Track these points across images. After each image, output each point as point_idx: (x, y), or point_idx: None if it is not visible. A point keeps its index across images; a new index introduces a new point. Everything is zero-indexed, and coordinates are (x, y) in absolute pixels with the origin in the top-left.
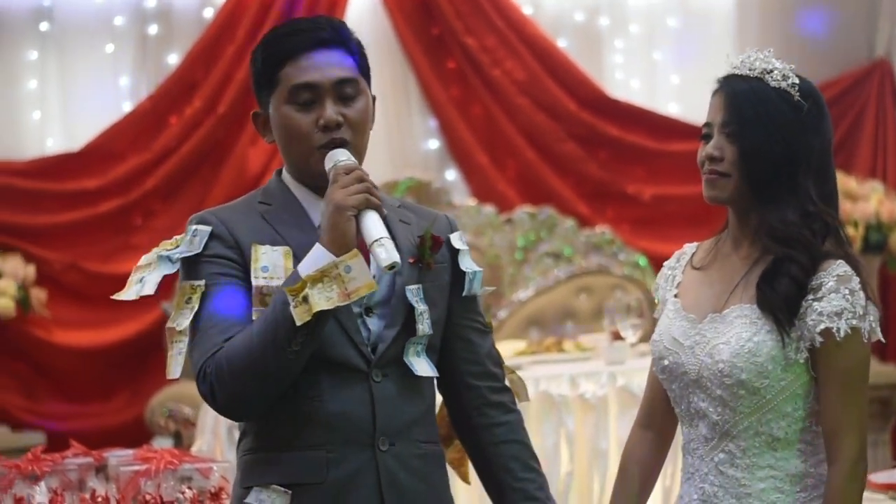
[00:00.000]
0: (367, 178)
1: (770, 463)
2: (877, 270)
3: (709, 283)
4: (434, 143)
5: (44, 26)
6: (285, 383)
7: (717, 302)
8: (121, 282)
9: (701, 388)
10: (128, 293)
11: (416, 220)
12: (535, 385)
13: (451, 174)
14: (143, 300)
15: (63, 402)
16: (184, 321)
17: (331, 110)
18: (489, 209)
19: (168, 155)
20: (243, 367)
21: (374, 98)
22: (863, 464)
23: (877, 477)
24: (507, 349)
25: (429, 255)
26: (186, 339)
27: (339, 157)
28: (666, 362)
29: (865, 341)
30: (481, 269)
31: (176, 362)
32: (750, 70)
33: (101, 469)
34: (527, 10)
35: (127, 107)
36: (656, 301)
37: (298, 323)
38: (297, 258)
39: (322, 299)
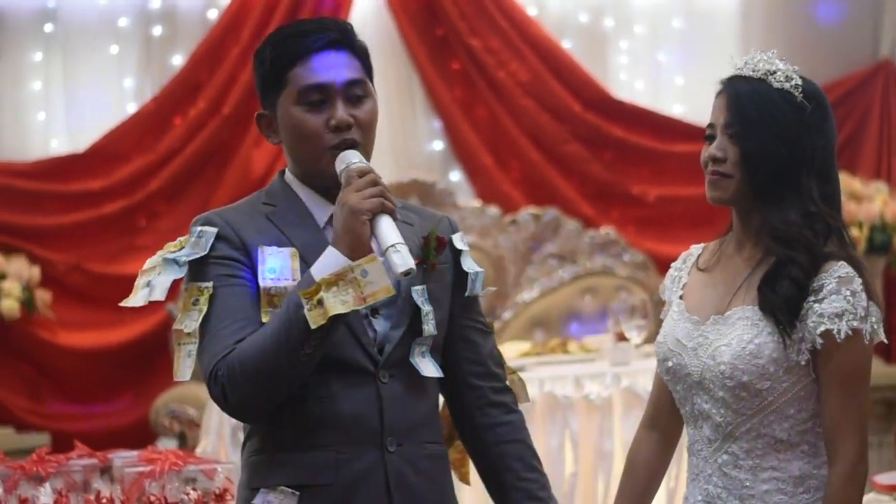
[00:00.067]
0: (381, 181)
1: (773, 464)
2: (881, 271)
3: (713, 284)
4: (438, 145)
5: (48, 28)
6: (296, 385)
7: (721, 303)
8: (125, 283)
9: (704, 390)
10: (136, 298)
11: (419, 221)
12: (539, 386)
13: (456, 175)
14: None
15: (67, 404)
16: (192, 323)
17: (342, 111)
18: (493, 210)
19: (172, 156)
20: (256, 369)
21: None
22: (863, 466)
23: (881, 478)
24: (512, 350)
25: (433, 255)
26: (195, 341)
27: (352, 160)
28: (670, 364)
29: (866, 343)
30: (482, 269)
31: (185, 364)
32: (753, 71)
33: (105, 470)
34: (531, 11)
35: (131, 108)
36: (665, 301)
37: (313, 326)
38: (304, 259)
39: (337, 303)
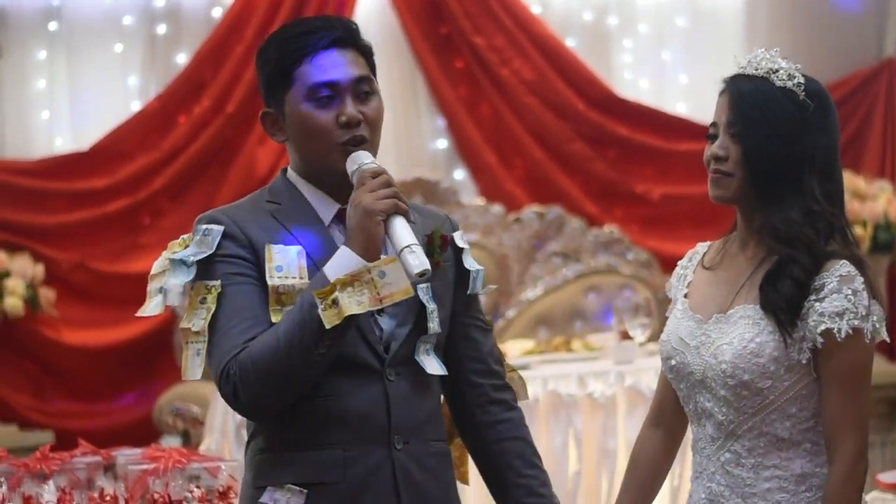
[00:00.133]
0: (394, 182)
1: (775, 463)
2: (885, 270)
3: (716, 283)
4: (442, 143)
5: (52, 26)
6: (308, 384)
7: (724, 302)
8: (129, 281)
9: (706, 389)
10: (151, 306)
11: (421, 219)
12: (543, 384)
13: (460, 173)
14: None
15: (71, 401)
16: (199, 321)
17: (351, 107)
18: (497, 208)
19: (176, 154)
20: (269, 368)
21: None
22: (862, 465)
23: (885, 477)
24: (516, 348)
25: (438, 254)
26: (203, 340)
27: (364, 160)
28: (673, 362)
29: (867, 342)
30: (482, 267)
31: (194, 363)
32: (756, 70)
33: (109, 468)
34: (535, 9)
35: (135, 106)
36: (671, 299)
37: (328, 326)
38: (310, 257)
39: (353, 303)
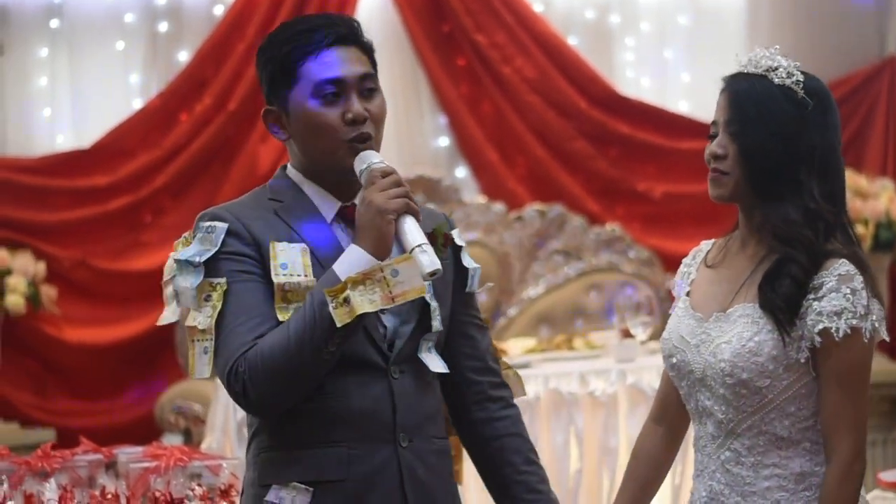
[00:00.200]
0: (404, 182)
1: (774, 461)
2: (886, 269)
3: (718, 281)
4: (444, 141)
5: (54, 23)
6: (317, 382)
7: (724, 300)
8: (131, 279)
9: (706, 387)
10: (169, 313)
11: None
12: (544, 382)
13: (461, 171)
14: (152, 297)
15: (73, 399)
16: (205, 319)
17: (357, 104)
18: (499, 206)
19: (178, 152)
20: (278, 366)
21: None
22: (859, 464)
23: (886, 475)
24: (517, 346)
25: (440, 252)
26: (210, 338)
27: (373, 159)
28: (674, 360)
29: (866, 341)
30: (479, 265)
31: (201, 362)
32: (756, 68)
33: (110, 466)
34: (537, 7)
35: (137, 104)
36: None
37: (339, 324)
38: (314, 255)
39: (365, 302)
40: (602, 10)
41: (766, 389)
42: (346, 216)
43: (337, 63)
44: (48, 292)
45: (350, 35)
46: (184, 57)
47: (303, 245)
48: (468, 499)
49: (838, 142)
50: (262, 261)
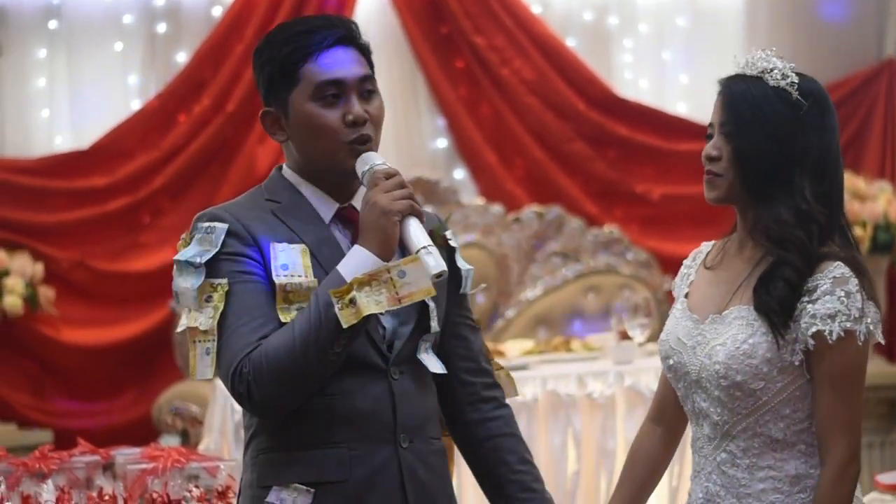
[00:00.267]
0: (407, 184)
1: (769, 464)
2: (884, 271)
3: (715, 283)
4: (442, 142)
5: (52, 24)
6: (321, 383)
7: (721, 302)
8: (129, 280)
9: (702, 389)
10: (202, 365)
11: None
12: (542, 384)
13: (460, 173)
14: (150, 298)
15: (70, 400)
16: (207, 320)
17: (358, 106)
18: (497, 208)
19: (176, 153)
20: (283, 367)
21: None
22: (853, 467)
23: (884, 478)
24: (515, 348)
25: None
26: (212, 339)
27: (376, 161)
28: (671, 361)
29: (860, 344)
30: (472, 267)
31: (203, 363)
32: (751, 70)
33: (108, 467)
34: (535, 9)
35: (135, 105)
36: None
37: (345, 325)
38: (314, 256)
39: (371, 303)
40: (600, 11)
41: (760, 392)
42: (343, 217)
43: (337, 64)
44: (46, 293)
45: (349, 36)
46: (182, 58)
47: (302, 246)
48: (465, 499)
49: (836, 143)
50: (262, 261)
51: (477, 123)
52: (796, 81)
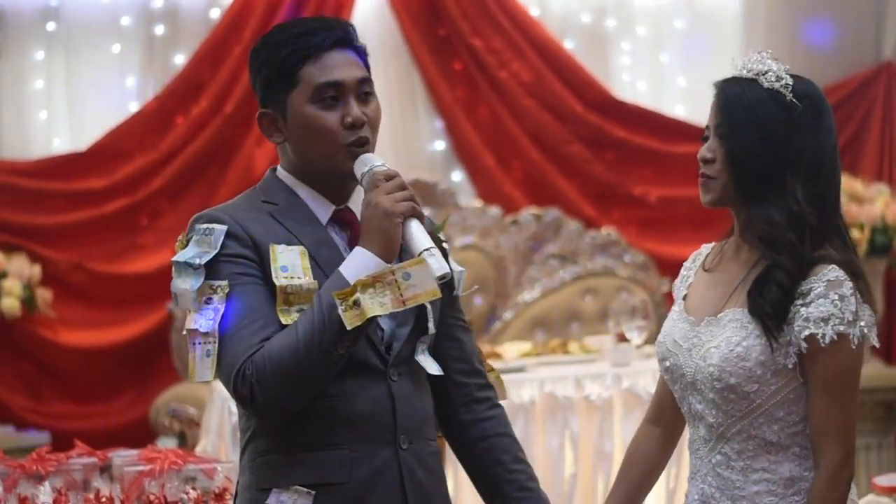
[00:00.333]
0: (408, 185)
1: (764, 466)
2: (882, 273)
3: (713, 285)
4: (440, 145)
5: (50, 26)
6: (324, 385)
7: (717, 305)
8: (126, 282)
9: (697, 391)
10: (202, 367)
11: None
12: (540, 386)
13: (458, 175)
14: (148, 300)
15: (68, 402)
16: (208, 322)
17: (356, 109)
18: (495, 210)
19: (174, 155)
20: (287, 369)
21: None
22: (846, 470)
23: (881, 480)
24: (513, 350)
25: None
26: (213, 341)
27: (375, 162)
28: (668, 363)
29: (853, 348)
30: (464, 269)
31: (203, 365)
32: (747, 72)
33: (105, 469)
34: (534, 11)
35: (133, 107)
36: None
37: (349, 327)
38: (312, 257)
39: (375, 305)
40: (598, 14)
41: (754, 394)
42: (340, 219)
43: (336, 66)
44: (44, 295)
45: (347, 39)
46: (180, 60)
47: (301, 247)
48: (463, 500)
49: (831, 145)
50: (262, 263)
51: (475, 125)
52: (791, 83)
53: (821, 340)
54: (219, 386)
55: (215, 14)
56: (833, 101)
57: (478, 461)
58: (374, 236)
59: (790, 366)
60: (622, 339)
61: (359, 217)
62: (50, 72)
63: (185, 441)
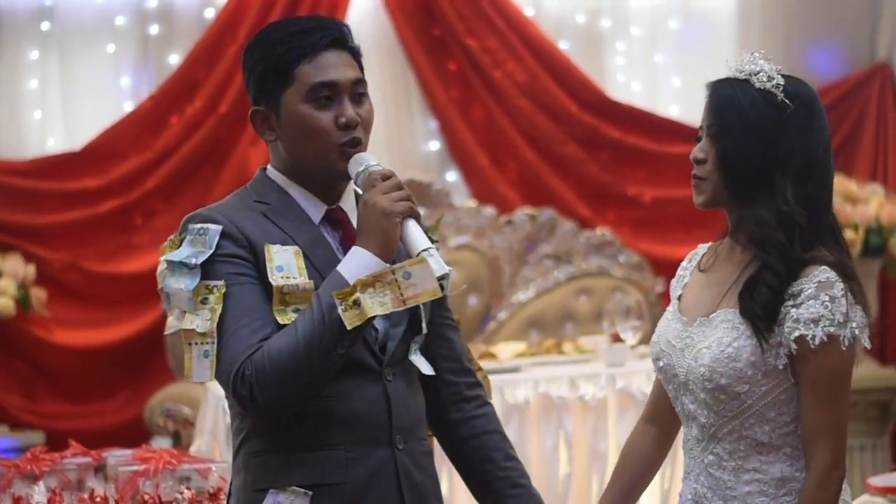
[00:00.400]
0: (404, 185)
1: (755, 466)
2: (876, 274)
3: (707, 285)
4: (435, 145)
5: (45, 26)
6: (323, 385)
7: (711, 305)
8: (121, 282)
9: (689, 391)
10: (175, 320)
11: None
12: (534, 386)
13: (452, 175)
14: (143, 300)
15: (62, 402)
16: (205, 322)
17: (351, 109)
18: (490, 211)
19: (169, 155)
20: (287, 369)
21: None
22: (837, 472)
23: (875, 480)
24: (507, 350)
25: None
26: (210, 341)
27: (371, 162)
28: (661, 363)
29: (844, 349)
30: (452, 268)
31: (201, 365)
32: (739, 72)
33: (99, 469)
34: (528, 11)
35: (128, 106)
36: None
37: (349, 327)
38: (307, 257)
39: (376, 304)
40: (593, 14)
41: (744, 395)
42: (331, 219)
43: (332, 67)
44: (38, 295)
45: (342, 39)
46: (174, 60)
47: (295, 247)
48: (458, 500)
49: (823, 145)
50: (257, 263)
51: (469, 126)
52: (782, 83)
53: (810, 342)
54: (213, 386)
55: (210, 14)
56: (827, 101)
57: (469, 459)
58: (372, 236)
59: (781, 367)
60: (617, 339)
61: (350, 217)
62: (44, 71)
63: (180, 441)
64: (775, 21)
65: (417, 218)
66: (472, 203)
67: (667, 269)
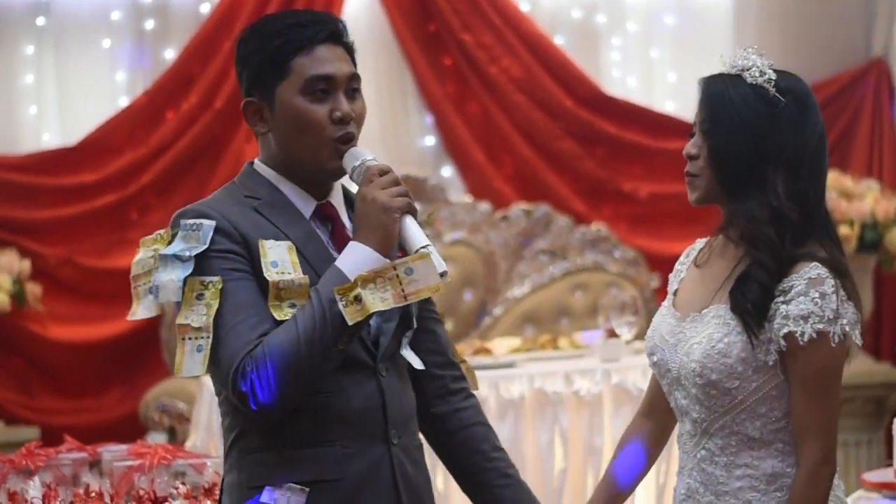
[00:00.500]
0: (401, 180)
1: (746, 462)
2: (871, 270)
3: (701, 281)
4: (430, 140)
5: (40, 21)
6: (323, 381)
7: (704, 301)
8: (117, 277)
9: (681, 386)
10: (142, 308)
11: None
12: (529, 382)
13: (447, 171)
14: None
15: (57, 397)
16: (200, 317)
17: (346, 104)
18: (485, 206)
19: (164, 150)
20: (288, 364)
21: None
22: (827, 468)
23: (870, 476)
24: (502, 346)
25: None
26: (205, 336)
27: (367, 157)
28: (655, 358)
29: (834, 346)
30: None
31: (193, 360)
32: (732, 68)
33: (94, 464)
34: (524, 7)
35: (123, 102)
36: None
37: (350, 322)
38: (300, 252)
39: (377, 300)
40: (588, 9)
41: (735, 391)
42: (321, 214)
43: (328, 61)
44: (33, 290)
45: (338, 34)
46: (170, 55)
47: (289, 242)
48: (452, 495)
49: (816, 140)
50: (251, 258)
51: (465, 121)
52: (774, 78)
53: (800, 338)
54: (209, 381)
55: (205, 9)
56: (823, 97)
57: (456, 451)
58: (371, 231)
59: (771, 363)
60: (612, 334)
61: (339, 212)
62: (40, 67)
63: (175, 436)
64: (771, 16)
65: (415, 214)
66: (467, 198)
67: (662, 264)
